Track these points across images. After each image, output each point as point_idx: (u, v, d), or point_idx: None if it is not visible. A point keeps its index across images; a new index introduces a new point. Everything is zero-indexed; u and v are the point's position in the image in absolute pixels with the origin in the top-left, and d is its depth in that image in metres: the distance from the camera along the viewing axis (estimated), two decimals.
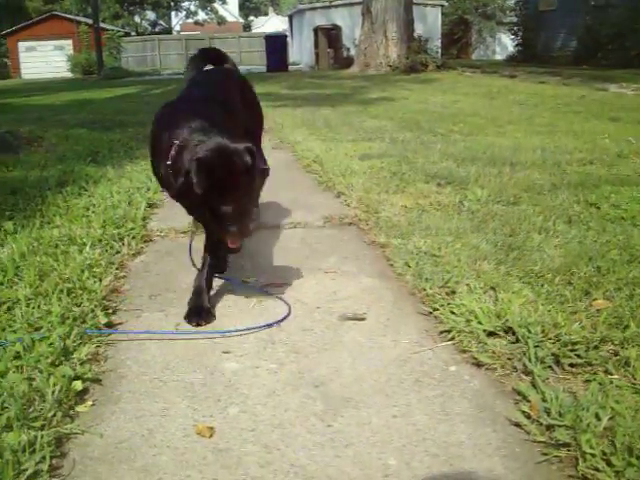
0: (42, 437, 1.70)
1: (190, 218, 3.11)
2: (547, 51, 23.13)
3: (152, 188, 4.59)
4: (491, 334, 2.28)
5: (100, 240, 3.37)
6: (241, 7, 79.23)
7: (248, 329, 2.48)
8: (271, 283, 2.91)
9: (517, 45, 26.49)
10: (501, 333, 2.28)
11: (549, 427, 1.76)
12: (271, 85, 16.28)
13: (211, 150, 2.31)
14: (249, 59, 42.99)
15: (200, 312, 2.59)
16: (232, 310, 2.70)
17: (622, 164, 5.17)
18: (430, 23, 30.18)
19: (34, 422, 1.77)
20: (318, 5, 32.85)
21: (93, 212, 3.95)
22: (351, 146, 6.40)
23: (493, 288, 2.62)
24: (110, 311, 2.63)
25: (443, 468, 1.67)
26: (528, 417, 1.83)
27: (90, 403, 1.99)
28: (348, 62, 24.34)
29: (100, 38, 29.46)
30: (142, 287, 2.97)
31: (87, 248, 3.19)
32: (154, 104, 8.69)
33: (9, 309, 2.51)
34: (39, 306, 2.50)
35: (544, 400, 1.86)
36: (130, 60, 40.29)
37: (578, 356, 2.10)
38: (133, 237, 3.52)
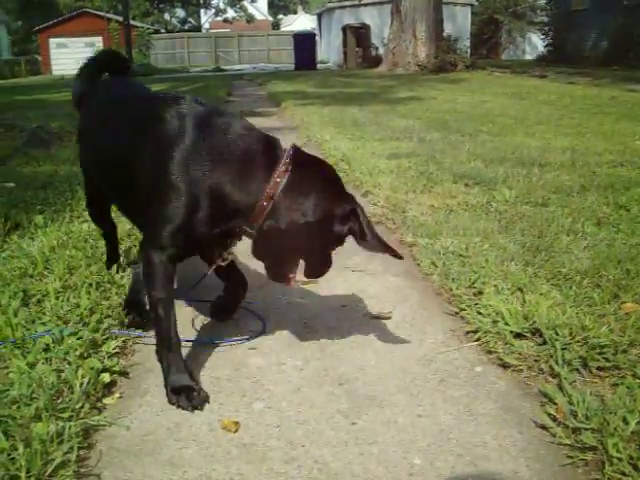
0: (70, 428, 1.72)
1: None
2: (578, 51, 22.85)
3: None
4: (518, 335, 2.27)
5: (129, 235, 3.40)
6: (270, 5, 79.47)
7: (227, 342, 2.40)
8: (300, 280, 2.89)
9: (547, 45, 26.22)
10: (528, 335, 2.26)
11: (575, 430, 1.75)
12: (299, 83, 16.31)
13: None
14: (277, 57, 43.18)
15: None
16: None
17: None
18: (459, 22, 30.04)
19: (62, 413, 1.80)
20: (347, 4, 32.84)
21: None
22: (378, 145, 6.39)
23: (520, 289, 2.61)
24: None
25: (467, 468, 1.66)
26: (554, 419, 1.82)
27: (117, 395, 2.02)
28: (376, 61, 24.29)
29: (130, 35, 29.73)
30: None
31: None
32: None
33: (39, 302, 2.55)
34: (68, 299, 2.53)
35: (571, 403, 1.84)
36: (159, 57, 40.61)
37: (606, 359, 2.08)
38: None
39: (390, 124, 7.88)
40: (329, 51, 35.50)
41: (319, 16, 40.52)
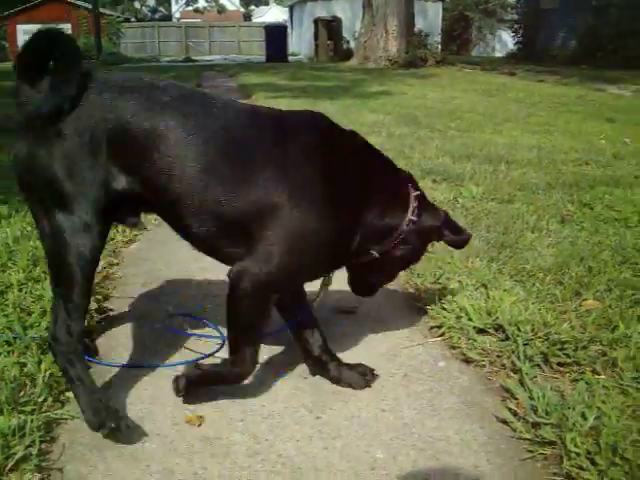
0: (32, 421, 1.70)
1: None
2: (547, 50, 23.07)
3: None
4: (481, 331, 2.30)
5: None
6: None
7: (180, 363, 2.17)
8: None
9: (517, 43, 26.44)
10: (491, 330, 2.29)
11: (535, 425, 1.78)
12: (270, 75, 16.23)
13: None
14: (248, 49, 42.88)
15: None
16: None
17: (617, 165, 5.18)
18: (430, 18, 30.10)
19: (24, 406, 1.78)
20: None
21: None
22: None
23: (484, 285, 2.64)
24: (102, 297, 2.64)
25: (429, 462, 1.68)
26: (515, 414, 1.85)
27: None
28: (347, 54, 24.26)
29: (99, 23, 29.30)
30: (135, 275, 2.97)
31: None
32: None
33: (2, 293, 2.51)
34: (31, 291, 2.50)
35: (531, 398, 1.88)
36: (129, 46, 40.04)
37: (567, 355, 2.12)
38: None
39: (360, 118, 7.88)
40: (300, 44, 35.35)
41: (291, 8, 40.33)
